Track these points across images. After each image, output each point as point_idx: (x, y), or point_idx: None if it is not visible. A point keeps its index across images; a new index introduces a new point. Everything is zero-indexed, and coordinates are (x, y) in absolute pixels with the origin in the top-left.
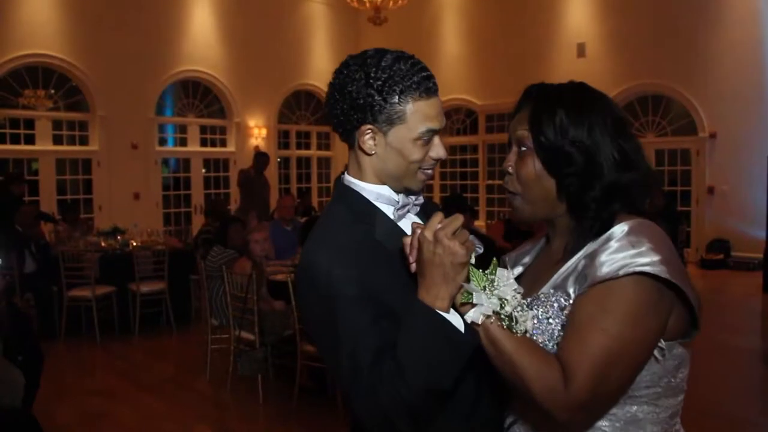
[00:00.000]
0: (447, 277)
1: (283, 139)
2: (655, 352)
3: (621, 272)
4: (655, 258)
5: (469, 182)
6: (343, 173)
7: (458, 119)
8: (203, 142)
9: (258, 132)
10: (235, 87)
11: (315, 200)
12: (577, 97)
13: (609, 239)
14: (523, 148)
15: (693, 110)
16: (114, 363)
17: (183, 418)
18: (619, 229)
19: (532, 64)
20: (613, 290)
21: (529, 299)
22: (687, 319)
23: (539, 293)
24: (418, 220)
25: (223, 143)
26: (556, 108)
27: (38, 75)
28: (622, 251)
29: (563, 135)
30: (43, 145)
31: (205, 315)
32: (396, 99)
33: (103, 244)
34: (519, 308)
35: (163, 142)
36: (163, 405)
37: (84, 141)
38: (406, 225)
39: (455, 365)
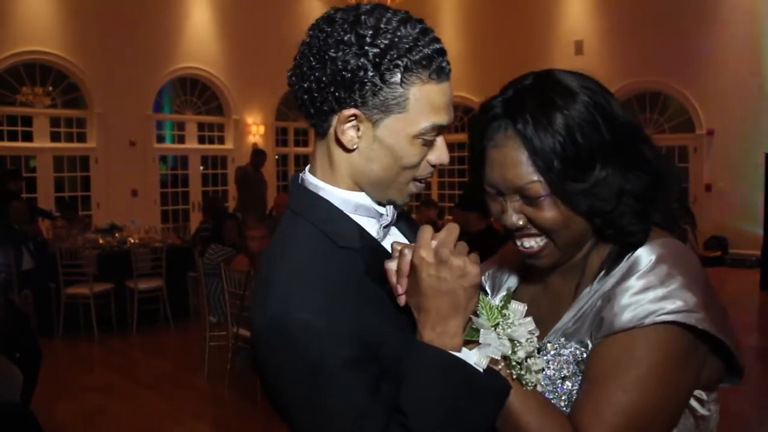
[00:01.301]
0: (458, 306)
1: (281, 137)
2: (694, 404)
3: (647, 321)
4: (689, 300)
5: (458, 180)
6: (298, 174)
7: (456, 116)
8: (201, 140)
9: (256, 129)
10: (233, 84)
11: None
12: (572, 104)
13: (630, 272)
14: (536, 198)
15: (691, 107)
16: (112, 360)
17: (181, 414)
18: (645, 258)
19: (530, 61)
20: (637, 340)
21: (541, 351)
22: (722, 368)
23: (544, 342)
24: (402, 237)
25: (221, 140)
26: (554, 134)
27: (36, 72)
28: (649, 292)
29: (583, 158)
30: (41, 142)
31: (203, 312)
32: (397, 77)
33: (100, 241)
34: (532, 355)
35: (161, 139)
36: (161, 402)
37: (82, 138)
38: (387, 245)
39: (485, 420)
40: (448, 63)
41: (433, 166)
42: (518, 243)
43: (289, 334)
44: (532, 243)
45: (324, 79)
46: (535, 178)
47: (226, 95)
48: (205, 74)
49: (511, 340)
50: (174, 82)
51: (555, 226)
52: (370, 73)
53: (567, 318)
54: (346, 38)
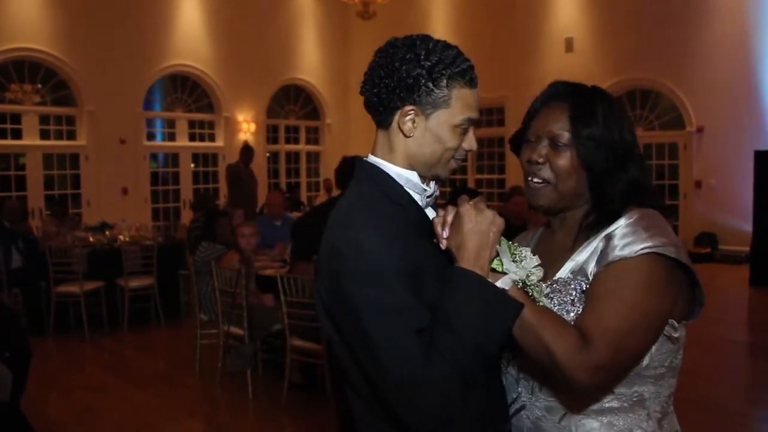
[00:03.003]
0: (487, 244)
1: (272, 134)
2: (668, 330)
3: (636, 252)
4: (666, 240)
5: (458, 177)
6: (354, 157)
7: None
8: (192, 137)
9: (247, 127)
10: (223, 81)
11: (304, 195)
12: (608, 96)
13: (621, 222)
14: (560, 144)
15: (681, 104)
16: (103, 358)
17: (172, 413)
18: (630, 216)
19: (521, 59)
20: (630, 266)
21: (547, 284)
22: (689, 300)
23: (556, 278)
24: (434, 214)
25: (212, 138)
26: (596, 106)
27: (25, 69)
28: (636, 235)
29: (605, 131)
30: (31, 139)
31: (194, 310)
32: (444, 82)
33: (91, 239)
34: (540, 281)
35: (151, 136)
36: (152, 400)
37: (72, 136)
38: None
39: (506, 325)
40: (476, 76)
41: (467, 150)
42: (529, 179)
43: (364, 245)
44: (539, 180)
45: (391, 84)
46: (567, 129)
47: (216, 93)
48: (196, 72)
49: (525, 269)
50: (164, 79)
51: (563, 172)
52: (425, 80)
53: (573, 261)
54: (407, 56)
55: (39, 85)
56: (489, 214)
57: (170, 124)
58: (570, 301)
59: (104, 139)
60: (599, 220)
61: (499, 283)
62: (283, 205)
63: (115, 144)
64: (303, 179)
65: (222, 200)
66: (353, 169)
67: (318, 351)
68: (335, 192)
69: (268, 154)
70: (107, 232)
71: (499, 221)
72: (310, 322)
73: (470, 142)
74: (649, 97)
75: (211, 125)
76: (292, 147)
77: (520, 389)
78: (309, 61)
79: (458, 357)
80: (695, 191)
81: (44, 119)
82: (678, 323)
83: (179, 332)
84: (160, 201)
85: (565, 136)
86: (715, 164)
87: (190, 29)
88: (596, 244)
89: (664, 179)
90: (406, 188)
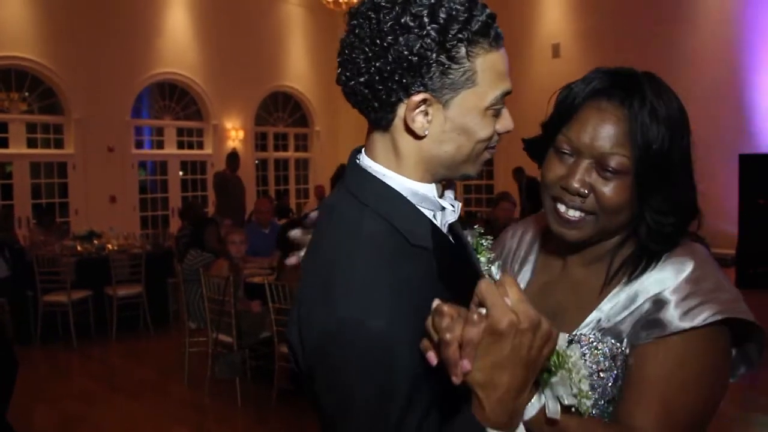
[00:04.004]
0: (532, 378)
1: (260, 141)
2: None
3: (704, 321)
4: (732, 296)
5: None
6: (354, 154)
7: None
8: (180, 145)
9: (235, 134)
10: (211, 89)
11: (293, 202)
12: (663, 85)
13: (675, 277)
14: (613, 170)
15: None
16: (91, 367)
17: (161, 421)
18: (687, 264)
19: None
20: (695, 342)
21: (566, 339)
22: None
23: (578, 334)
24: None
25: (200, 146)
26: (659, 107)
27: (11, 77)
28: (698, 295)
29: (671, 146)
30: (17, 148)
31: (183, 318)
32: (463, 51)
33: (79, 248)
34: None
35: (139, 144)
36: (141, 408)
37: (59, 144)
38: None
39: None
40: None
41: (501, 133)
42: (558, 207)
43: (361, 342)
44: (576, 214)
45: (387, 68)
46: (625, 152)
47: (205, 100)
48: (184, 79)
49: (580, 390)
50: (152, 87)
51: (613, 207)
52: (435, 52)
53: (602, 313)
54: (402, 21)
55: (26, 93)
56: (545, 328)
57: (158, 131)
58: (597, 369)
59: (92, 148)
60: (639, 255)
61: (548, 412)
62: (272, 212)
63: (103, 152)
64: (292, 186)
65: (210, 208)
66: None
67: None
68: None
69: (256, 162)
70: (95, 241)
71: (554, 336)
72: None
73: (505, 122)
74: None
75: (200, 133)
76: (280, 154)
77: None
78: (297, 68)
79: None
80: None
81: (31, 128)
82: None
83: (168, 340)
84: (149, 209)
85: (623, 162)
86: (700, 168)
87: (178, 37)
88: (631, 293)
89: None
90: (422, 209)
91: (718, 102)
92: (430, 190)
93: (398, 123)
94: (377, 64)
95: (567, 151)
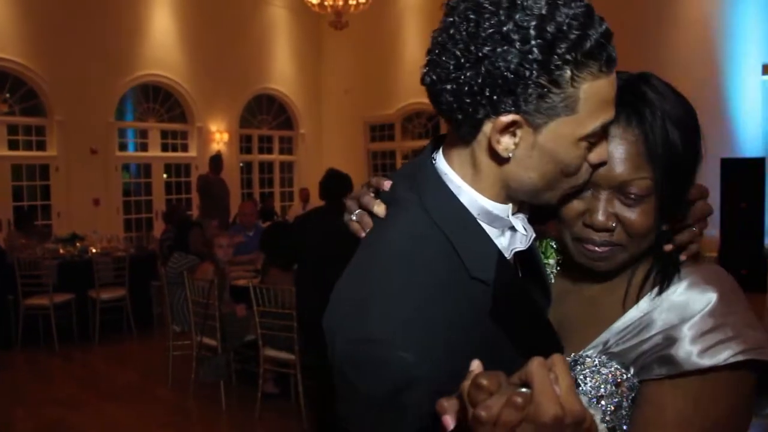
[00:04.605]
0: None
1: (245, 144)
2: None
3: (723, 361)
4: (758, 336)
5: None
6: (429, 153)
7: (420, 123)
8: (164, 147)
9: (220, 137)
10: (196, 91)
11: (277, 205)
12: (669, 87)
13: (694, 310)
14: (636, 196)
15: None
16: (74, 371)
17: (145, 425)
18: (707, 294)
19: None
20: (715, 384)
21: (570, 359)
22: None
23: (583, 355)
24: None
25: (185, 148)
26: (676, 129)
27: None
28: (719, 331)
29: (687, 154)
30: None
31: (167, 321)
32: (567, 75)
33: (61, 251)
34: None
35: (123, 147)
36: (124, 413)
37: (41, 146)
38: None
39: None
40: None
41: (593, 166)
42: (586, 246)
43: (382, 369)
44: (607, 247)
45: (478, 80)
46: (646, 174)
47: (189, 102)
48: (168, 81)
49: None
50: (136, 89)
51: (642, 231)
52: (536, 74)
53: (611, 335)
54: (504, 30)
55: (7, 95)
56: (588, 425)
57: (142, 134)
58: (596, 395)
59: (75, 150)
60: (660, 270)
61: None
62: (256, 215)
63: (86, 154)
64: (276, 189)
65: (195, 211)
66: (339, 182)
67: (291, 361)
68: (312, 203)
69: (241, 164)
70: (78, 244)
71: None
72: (283, 332)
73: (601, 154)
74: None
75: (184, 135)
76: (265, 157)
77: None
78: (282, 71)
79: None
80: None
81: (12, 129)
82: None
83: (151, 344)
84: (133, 212)
85: (646, 185)
86: None
87: (162, 38)
88: (645, 320)
89: None
90: (489, 228)
91: (700, 106)
92: (504, 211)
93: (482, 139)
94: (468, 74)
95: (581, 189)
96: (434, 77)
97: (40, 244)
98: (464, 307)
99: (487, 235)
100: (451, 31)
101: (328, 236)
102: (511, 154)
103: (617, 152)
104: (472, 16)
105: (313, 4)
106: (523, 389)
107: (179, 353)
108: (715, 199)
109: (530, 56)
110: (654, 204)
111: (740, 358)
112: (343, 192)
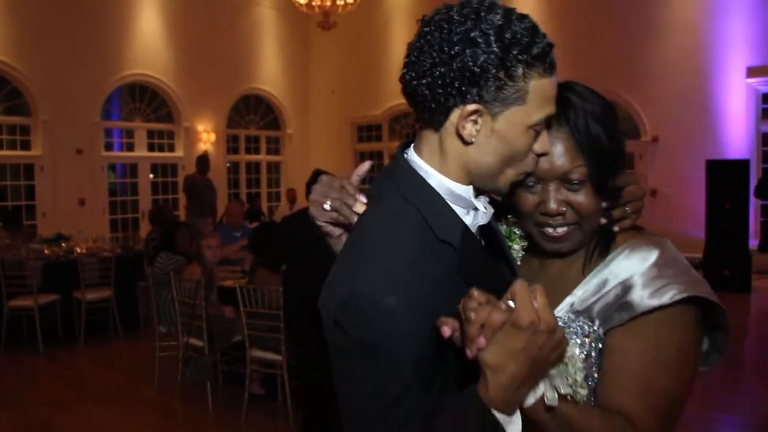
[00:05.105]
0: (538, 376)
1: (232, 144)
2: None
3: (671, 298)
4: (696, 279)
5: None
6: (403, 148)
7: (407, 124)
8: (151, 147)
9: (207, 137)
10: (183, 91)
11: (264, 205)
12: (587, 90)
13: (643, 262)
14: (577, 181)
15: (636, 115)
16: (59, 372)
17: (131, 426)
18: (649, 254)
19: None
20: (665, 320)
21: None
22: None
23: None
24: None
25: (171, 148)
26: (596, 123)
27: None
28: (663, 277)
29: (611, 142)
30: None
31: (153, 322)
32: (520, 72)
33: (46, 251)
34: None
35: (109, 146)
36: (110, 414)
37: (26, 146)
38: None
39: None
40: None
41: (538, 155)
42: (546, 230)
43: (372, 315)
44: (563, 229)
45: (450, 74)
46: (581, 162)
47: (176, 102)
48: (155, 81)
49: (575, 381)
50: (123, 88)
51: (590, 211)
52: (496, 69)
53: (575, 297)
54: (471, 35)
55: None
56: (559, 335)
57: (129, 134)
58: (580, 353)
59: (60, 150)
60: (602, 240)
61: (548, 401)
62: (243, 215)
63: (71, 154)
64: (264, 189)
65: (182, 211)
66: None
67: (278, 362)
68: (299, 203)
69: (228, 165)
70: (63, 244)
71: (564, 344)
72: (270, 333)
73: (543, 144)
74: None
75: (171, 135)
76: (252, 157)
77: None
78: (269, 71)
79: None
80: (651, 200)
81: None
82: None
83: (138, 344)
84: (119, 212)
85: (583, 171)
86: (669, 173)
87: (149, 38)
88: (601, 279)
89: None
90: (455, 207)
91: (686, 109)
92: (467, 191)
93: (449, 126)
94: (441, 70)
95: (532, 183)
96: (413, 74)
97: (25, 244)
98: (438, 267)
99: (453, 210)
100: (428, 37)
101: (316, 237)
102: (473, 139)
103: (556, 149)
104: (445, 26)
105: (300, 5)
106: (509, 302)
107: (166, 354)
108: (700, 200)
109: (492, 55)
110: (593, 186)
111: (683, 295)
112: None
